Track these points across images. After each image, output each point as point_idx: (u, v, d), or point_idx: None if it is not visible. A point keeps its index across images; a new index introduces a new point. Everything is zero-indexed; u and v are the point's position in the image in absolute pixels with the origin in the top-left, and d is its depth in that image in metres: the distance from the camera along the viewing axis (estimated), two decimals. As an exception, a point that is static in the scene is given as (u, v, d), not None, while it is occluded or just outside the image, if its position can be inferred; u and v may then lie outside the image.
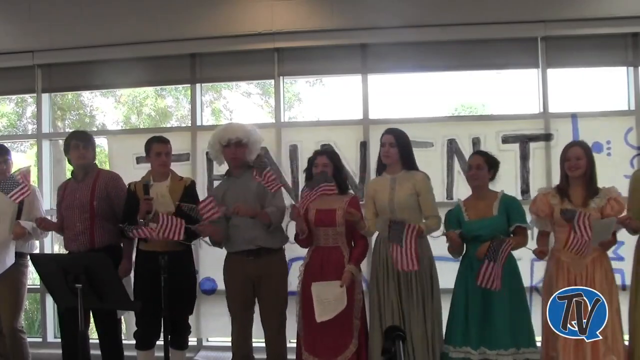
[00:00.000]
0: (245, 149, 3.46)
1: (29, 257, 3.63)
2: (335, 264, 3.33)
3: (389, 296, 3.31)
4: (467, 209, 3.35)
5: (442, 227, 3.40)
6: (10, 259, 3.70)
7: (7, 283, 3.70)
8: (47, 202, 4.57)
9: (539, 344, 3.28)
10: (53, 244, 4.78)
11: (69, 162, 3.74)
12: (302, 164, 4.35)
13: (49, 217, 4.00)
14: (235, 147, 3.43)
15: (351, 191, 3.74)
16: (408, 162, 3.44)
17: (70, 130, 6.68)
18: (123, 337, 3.75)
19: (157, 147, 3.54)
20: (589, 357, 3.00)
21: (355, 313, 3.31)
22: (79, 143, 3.61)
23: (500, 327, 3.14)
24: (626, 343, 3.20)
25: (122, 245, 3.65)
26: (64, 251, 3.76)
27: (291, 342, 3.56)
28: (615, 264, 3.29)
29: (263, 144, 3.79)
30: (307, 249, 3.48)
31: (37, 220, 3.64)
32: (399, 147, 3.40)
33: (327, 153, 3.52)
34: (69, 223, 3.57)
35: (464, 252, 3.35)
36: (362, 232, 3.37)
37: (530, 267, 3.96)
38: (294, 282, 3.57)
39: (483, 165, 3.34)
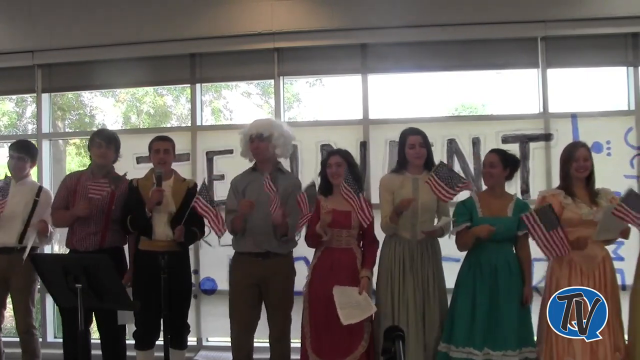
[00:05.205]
0: (267, 143, 3.44)
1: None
2: (347, 265, 3.32)
3: (404, 296, 3.29)
4: (480, 205, 3.30)
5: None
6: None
7: (20, 279, 3.70)
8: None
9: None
10: (53, 244, 4.77)
11: (90, 158, 3.73)
12: (302, 164, 4.37)
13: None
14: (257, 141, 3.44)
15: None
16: (430, 163, 3.47)
17: (70, 131, 6.77)
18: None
19: (155, 144, 3.55)
20: (603, 356, 3.01)
21: None
22: (101, 142, 3.61)
23: (509, 328, 3.12)
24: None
25: (126, 248, 3.66)
26: (64, 250, 3.74)
27: (294, 342, 3.55)
28: (615, 264, 3.28)
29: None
30: (312, 250, 3.47)
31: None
32: (426, 147, 3.43)
33: (341, 152, 3.50)
34: (81, 220, 3.54)
35: (469, 250, 3.30)
36: (382, 228, 3.36)
37: (530, 267, 3.97)
38: (294, 282, 3.56)
39: (497, 164, 3.28)
